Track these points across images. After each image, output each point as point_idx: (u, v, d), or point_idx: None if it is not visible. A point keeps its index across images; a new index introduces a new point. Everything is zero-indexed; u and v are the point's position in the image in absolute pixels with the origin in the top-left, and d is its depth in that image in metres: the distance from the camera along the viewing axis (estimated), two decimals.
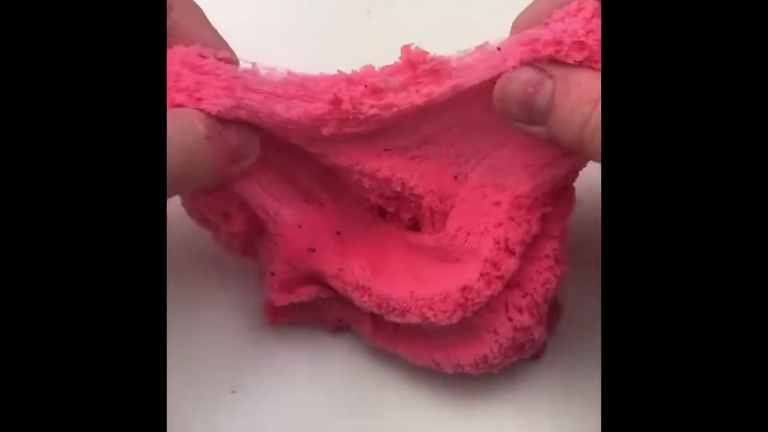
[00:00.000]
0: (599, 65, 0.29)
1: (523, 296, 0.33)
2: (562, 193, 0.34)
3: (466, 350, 0.35)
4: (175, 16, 0.32)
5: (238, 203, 0.34)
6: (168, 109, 0.30)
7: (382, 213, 0.37)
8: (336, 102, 0.31)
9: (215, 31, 0.34)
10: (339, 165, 0.34)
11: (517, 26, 0.31)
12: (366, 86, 0.31)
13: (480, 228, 0.33)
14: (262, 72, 0.32)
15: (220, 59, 0.31)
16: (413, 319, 0.34)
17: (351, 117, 0.32)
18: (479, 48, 0.31)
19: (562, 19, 0.29)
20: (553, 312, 0.36)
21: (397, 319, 0.34)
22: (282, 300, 0.36)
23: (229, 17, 0.46)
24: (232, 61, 0.32)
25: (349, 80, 0.32)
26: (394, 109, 0.32)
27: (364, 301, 0.35)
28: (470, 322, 0.33)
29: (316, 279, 0.36)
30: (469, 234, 0.34)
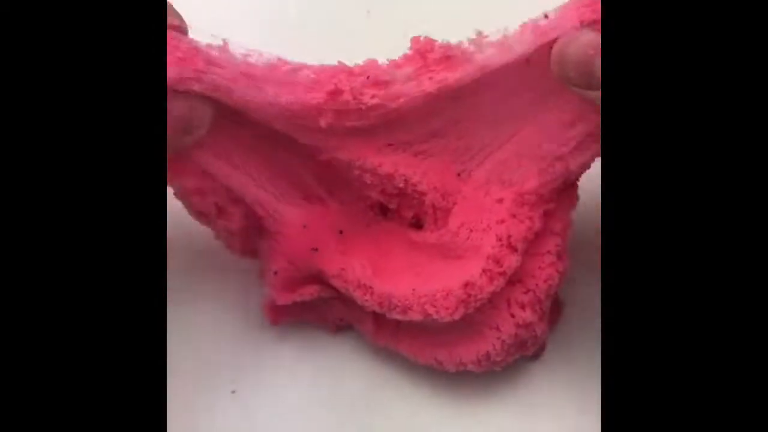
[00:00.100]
0: None
1: (526, 292, 0.33)
2: (565, 189, 0.34)
3: (468, 347, 0.35)
4: None
5: (228, 196, 0.34)
6: None
7: (383, 211, 0.37)
8: (336, 93, 0.31)
9: None
10: (339, 160, 0.34)
11: None
12: (368, 77, 0.31)
13: (482, 225, 0.33)
14: (236, 51, 0.31)
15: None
16: (415, 316, 0.34)
17: (352, 108, 0.31)
18: (522, 26, 0.30)
19: None
20: (553, 308, 0.36)
21: (399, 317, 0.34)
22: (284, 299, 0.36)
23: (229, 17, 0.46)
24: (181, 29, 0.32)
25: (351, 71, 0.32)
26: (402, 99, 0.31)
27: (366, 300, 0.35)
28: (472, 318, 0.33)
29: (318, 278, 0.36)
30: (471, 231, 0.34)
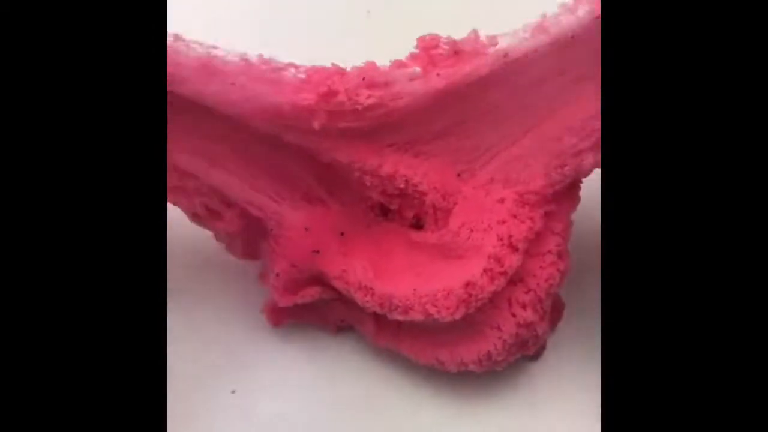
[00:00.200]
0: None
1: (527, 292, 0.33)
2: (567, 190, 0.34)
3: (469, 347, 0.35)
4: None
5: (220, 199, 0.34)
6: None
7: (384, 211, 0.36)
8: (330, 94, 0.31)
9: None
10: (338, 161, 0.34)
11: None
12: (364, 78, 0.31)
13: (483, 225, 0.33)
14: (197, 45, 0.31)
15: None
16: (416, 316, 0.33)
17: (347, 109, 0.31)
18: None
19: None
20: (554, 308, 0.36)
21: (400, 317, 0.34)
22: (286, 301, 0.36)
23: (229, 17, 0.46)
24: None
25: (345, 73, 0.32)
26: (405, 99, 0.31)
27: (367, 302, 0.35)
28: (473, 318, 0.33)
29: (319, 280, 0.36)
30: (472, 231, 0.34)
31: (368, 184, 0.34)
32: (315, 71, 0.32)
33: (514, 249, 0.33)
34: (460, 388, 0.37)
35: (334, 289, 0.36)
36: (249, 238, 0.36)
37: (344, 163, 0.34)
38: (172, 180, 0.34)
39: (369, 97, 0.31)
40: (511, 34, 0.31)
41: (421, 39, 0.31)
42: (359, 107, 0.31)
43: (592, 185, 0.33)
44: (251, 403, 0.37)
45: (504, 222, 0.33)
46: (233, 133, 0.33)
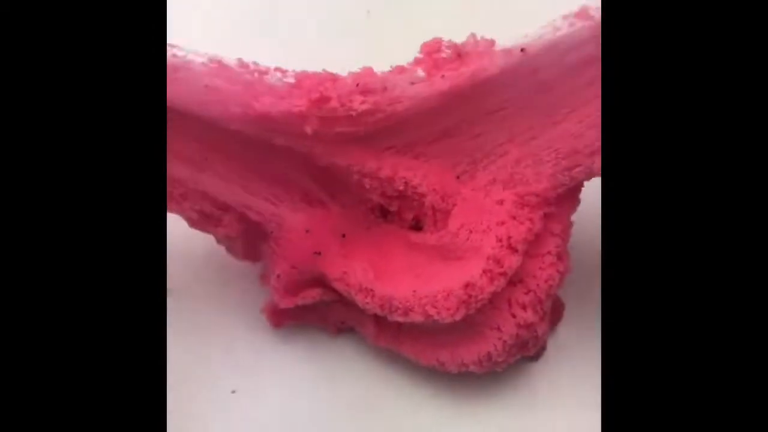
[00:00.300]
0: None
1: (527, 293, 0.33)
2: (568, 192, 0.34)
3: (469, 348, 0.35)
4: None
5: (214, 204, 0.34)
6: None
7: (383, 213, 0.36)
8: (322, 100, 0.31)
9: None
10: (337, 165, 0.34)
11: None
12: (358, 84, 0.31)
13: (482, 226, 0.33)
14: (197, 60, 0.31)
15: None
16: (416, 317, 0.33)
17: (340, 115, 0.31)
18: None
19: None
20: (554, 309, 0.36)
21: (401, 319, 0.34)
22: (287, 303, 0.36)
23: (229, 17, 0.46)
24: None
25: (337, 79, 0.31)
26: (405, 103, 0.31)
27: (367, 303, 0.35)
28: (473, 319, 0.33)
29: (320, 282, 0.36)
30: (471, 232, 0.34)
31: (367, 186, 0.34)
32: (305, 76, 0.32)
33: (514, 250, 0.33)
34: (460, 389, 0.37)
35: (334, 290, 0.36)
36: (249, 240, 0.36)
37: (343, 166, 0.34)
38: None
39: (363, 102, 0.31)
40: (524, 36, 0.31)
41: (424, 44, 0.31)
42: (353, 113, 0.31)
43: (592, 186, 0.33)
44: (251, 403, 0.37)
45: (503, 223, 0.33)
46: (221, 137, 0.33)
